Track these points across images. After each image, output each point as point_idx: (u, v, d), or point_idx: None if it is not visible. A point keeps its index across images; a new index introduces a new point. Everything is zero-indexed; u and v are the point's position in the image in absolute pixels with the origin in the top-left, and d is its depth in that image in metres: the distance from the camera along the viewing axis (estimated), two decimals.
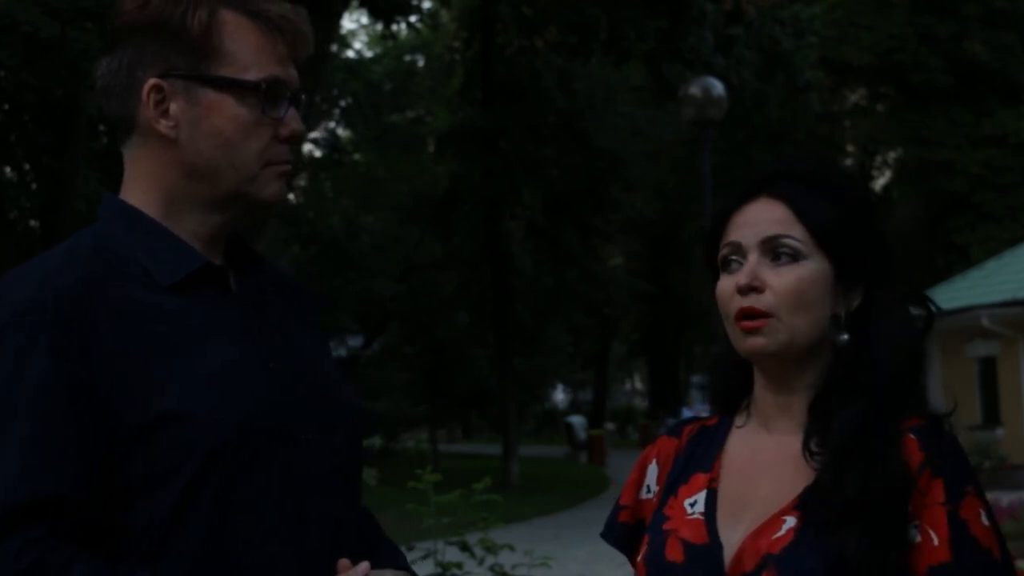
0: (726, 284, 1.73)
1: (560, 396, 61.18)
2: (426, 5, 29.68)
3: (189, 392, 1.64)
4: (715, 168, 16.51)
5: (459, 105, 30.75)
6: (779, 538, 1.65)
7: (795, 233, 1.71)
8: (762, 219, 1.73)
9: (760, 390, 1.78)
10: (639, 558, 1.78)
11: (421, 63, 40.39)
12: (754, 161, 33.00)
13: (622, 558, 1.89)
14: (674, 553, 1.72)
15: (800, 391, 1.74)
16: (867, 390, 1.68)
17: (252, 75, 1.74)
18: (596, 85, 27.65)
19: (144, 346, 1.65)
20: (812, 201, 1.72)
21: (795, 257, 1.70)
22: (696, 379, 53.21)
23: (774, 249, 1.71)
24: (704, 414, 1.93)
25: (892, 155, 39.39)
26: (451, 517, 6.33)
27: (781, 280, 1.70)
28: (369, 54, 41.77)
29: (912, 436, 1.67)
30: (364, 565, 1.70)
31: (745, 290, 1.71)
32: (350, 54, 38.91)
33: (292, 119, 1.78)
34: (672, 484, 1.81)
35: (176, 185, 1.76)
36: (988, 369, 23.33)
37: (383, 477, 5.74)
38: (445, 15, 34.07)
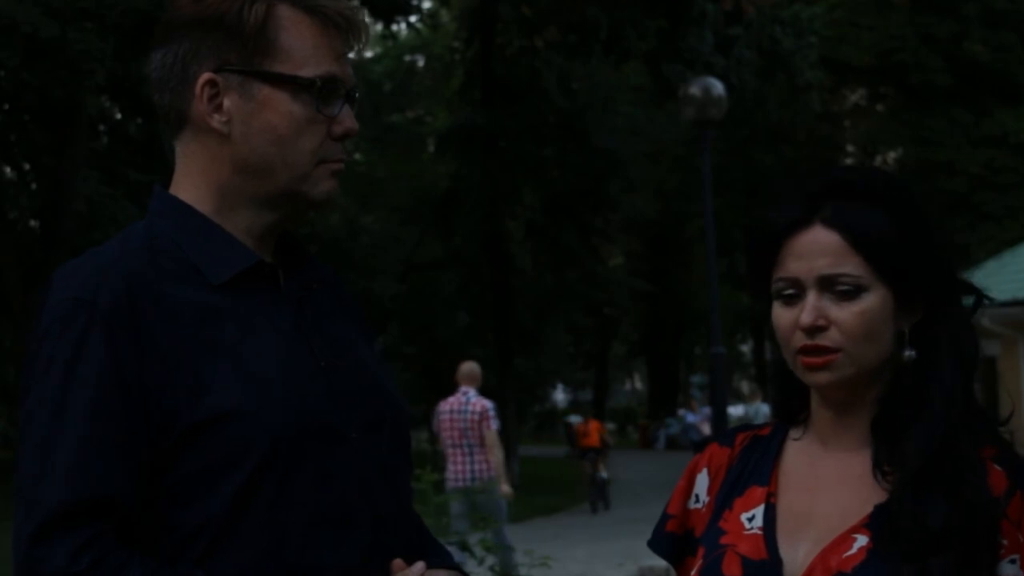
0: (786, 316, 1.70)
1: (560, 396, 61.15)
2: (426, 5, 29.69)
3: (243, 391, 1.63)
4: (715, 168, 16.52)
5: (459, 105, 30.74)
6: (851, 556, 1.63)
7: (853, 268, 1.67)
8: (818, 251, 1.68)
9: (818, 407, 1.76)
10: (694, 572, 1.75)
11: (421, 63, 40.38)
12: (754, 161, 33.03)
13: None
14: (732, 568, 1.70)
15: (860, 409, 1.72)
16: (936, 407, 1.65)
17: (308, 72, 1.72)
18: (596, 85, 27.63)
19: (196, 345, 1.64)
20: (867, 226, 1.67)
21: (857, 291, 1.67)
22: (696, 379, 53.20)
23: (833, 285, 1.68)
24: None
25: (892, 155, 39.37)
26: (451, 517, 6.34)
27: (845, 315, 1.67)
28: (369, 54, 41.76)
29: (996, 466, 1.65)
30: (420, 565, 1.69)
31: (811, 330, 1.68)
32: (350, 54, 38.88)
33: (347, 117, 1.75)
34: (727, 496, 1.79)
35: (228, 181, 1.73)
36: (988, 369, 23.32)
37: None
38: (445, 15, 34.07)
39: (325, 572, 1.64)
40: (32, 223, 23.03)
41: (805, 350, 1.68)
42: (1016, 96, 32.54)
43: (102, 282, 1.63)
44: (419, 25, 28.80)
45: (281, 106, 1.71)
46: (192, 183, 1.75)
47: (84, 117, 18.41)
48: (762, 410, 21.10)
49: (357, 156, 38.64)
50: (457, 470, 10.17)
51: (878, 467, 1.66)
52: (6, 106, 19.93)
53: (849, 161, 38.77)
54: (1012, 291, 22.58)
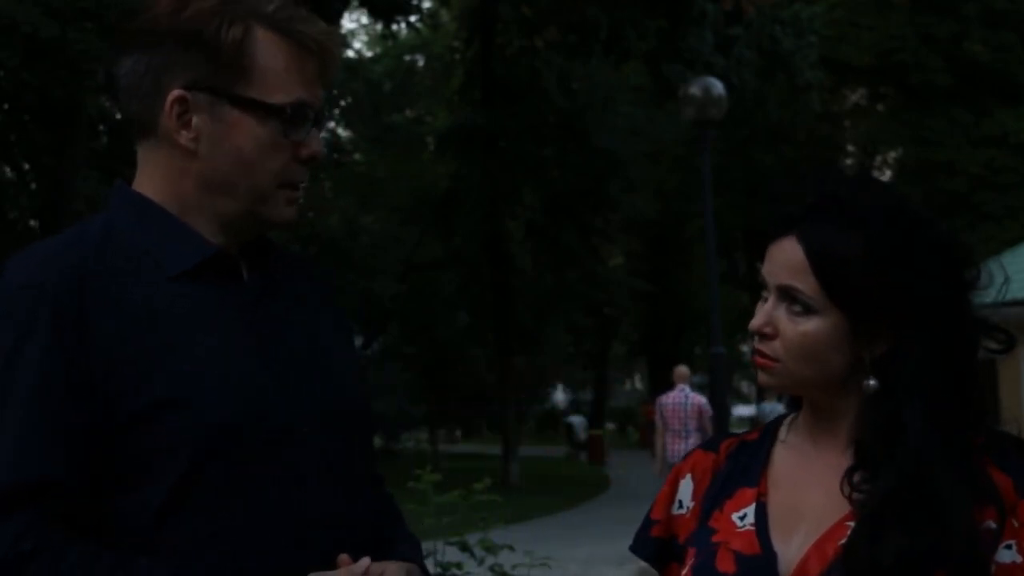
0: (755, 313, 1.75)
1: (560, 396, 61.11)
2: (426, 5, 29.66)
3: (187, 380, 1.64)
4: (715, 168, 16.51)
5: (459, 105, 30.72)
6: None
7: (807, 287, 1.68)
8: (783, 262, 1.71)
9: (805, 409, 1.79)
10: (685, 571, 1.76)
11: (421, 63, 40.35)
12: (754, 161, 33.02)
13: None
14: (725, 564, 1.70)
15: (841, 418, 1.73)
16: (909, 447, 1.65)
17: (279, 98, 1.72)
18: (596, 85, 27.60)
19: (143, 333, 1.65)
20: (831, 252, 1.67)
21: (807, 310, 1.69)
22: (696, 379, 53.16)
23: (789, 297, 1.70)
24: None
25: (892, 155, 39.38)
26: (451, 517, 6.33)
27: (790, 332, 1.70)
28: (369, 54, 41.75)
29: (1002, 473, 1.66)
30: (364, 561, 1.69)
31: (758, 334, 1.72)
32: (350, 54, 38.87)
33: (313, 140, 1.77)
34: (715, 499, 1.80)
35: (190, 195, 1.75)
36: (988, 369, 23.32)
37: (383, 477, 5.74)
38: (445, 15, 34.05)
39: (267, 564, 1.64)
40: (32, 223, 23.03)
41: (755, 349, 1.73)
42: (1016, 96, 32.54)
43: (51, 270, 1.65)
44: (419, 25, 28.77)
45: (249, 129, 1.72)
46: (153, 188, 1.77)
47: (84, 117, 18.40)
48: (777, 409, 21.09)
49: (357, 156, 38.66)
50: (676, 450, 13.35)
51: (848, 479, 1.67)
52: (6, 106, 19.92)
53: (849, 161, 38.80)
54: (1012, 291, 22.55)
